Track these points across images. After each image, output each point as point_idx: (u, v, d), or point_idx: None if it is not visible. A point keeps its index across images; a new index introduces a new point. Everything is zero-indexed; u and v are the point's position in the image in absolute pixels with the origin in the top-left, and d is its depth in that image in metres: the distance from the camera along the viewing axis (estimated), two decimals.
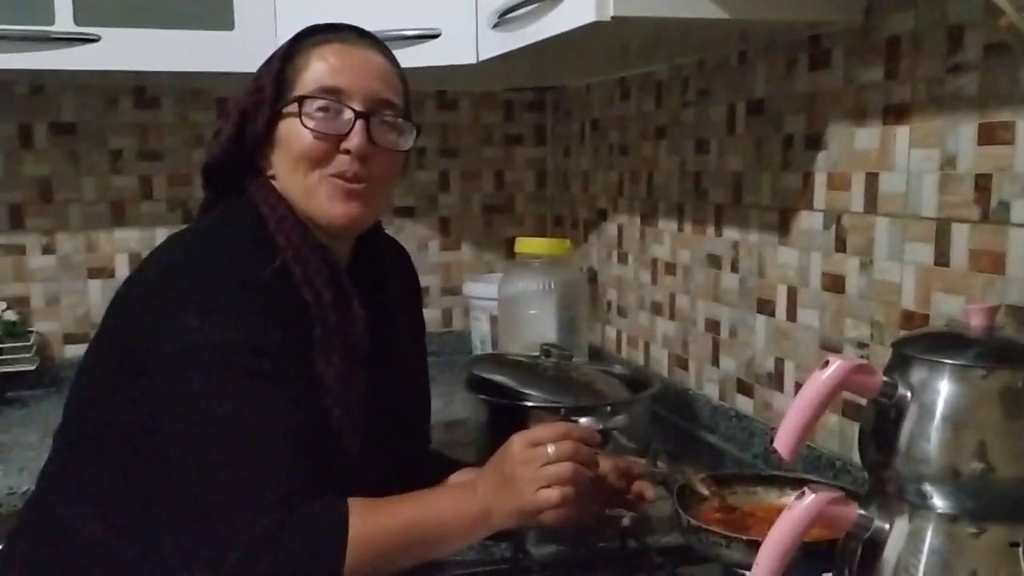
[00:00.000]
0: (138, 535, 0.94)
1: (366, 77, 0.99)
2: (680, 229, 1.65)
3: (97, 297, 1.95)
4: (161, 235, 1.95)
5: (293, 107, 0.97)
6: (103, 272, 1.96)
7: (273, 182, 1.00)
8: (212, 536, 0.87)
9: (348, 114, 0.97)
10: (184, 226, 1.07)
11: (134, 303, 0.96)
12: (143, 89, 1.95)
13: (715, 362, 1.56)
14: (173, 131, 1.98)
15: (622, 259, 1.89)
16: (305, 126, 0.96)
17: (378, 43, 1.03)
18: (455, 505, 0.92)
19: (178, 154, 1.99)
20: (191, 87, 1.96)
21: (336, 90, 0.97)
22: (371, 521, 0.89)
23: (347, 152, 0.97)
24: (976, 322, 0.73)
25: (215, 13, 1.60)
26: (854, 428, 1.21)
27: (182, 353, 0.89)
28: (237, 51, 1.57)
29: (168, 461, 0.90)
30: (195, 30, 1.59)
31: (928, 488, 0.70)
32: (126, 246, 1.97)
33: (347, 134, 0.97)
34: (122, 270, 1.96)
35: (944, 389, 0.69)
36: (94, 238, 1.96)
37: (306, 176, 0.98)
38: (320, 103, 0.97)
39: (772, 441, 0.72)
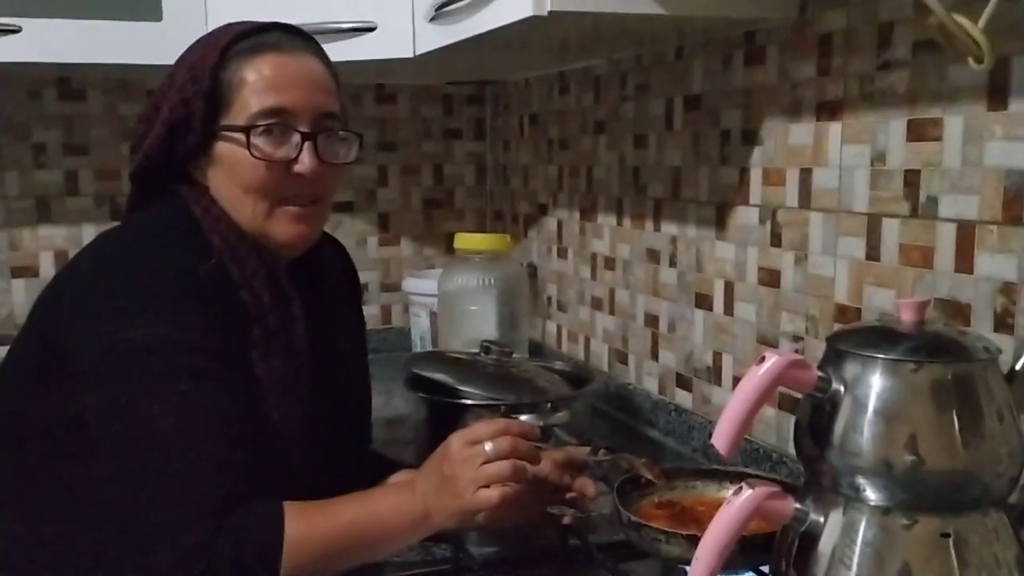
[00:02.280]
0: (57, 537, 0.91)
1: (308, 91, 0.95)
2: (619, 224, 1.65)
3: (21, 297, 1.88)
4: (88, 232, 1.90)
5: (236, 132, 0.94)
6: (27, 271, 1.89)
7: (211, 193, 0.97)
8: (143, 541, 0.84)
9: (296, 136, 0.94)
10: (113, 223, 1.04)
11: (63, 302, 0.93)
12: (68, 80, 1.89)
13: (655, 356, 1.56)
14: (100, 124, 1.92)
15: (562, 254, 1.89)
16: (254, 155, 0.93)
17: (309, 42, 0.99)
18: (394, 506, 0.91)
19: (106, 148, 1.93)
20: (118, 78, 1.90)
21: (280, 110, 0.94)
22: (307, 524, 0.87)
23: (297, 175, 0.95)
24: (907, 316, 0.74)
25: (142, 3, 1.54)
26: (791, 421, 1.22)
27: (114, 353, 0.86)
28: (166, 43, 1.50)
29: (96, 463, 0.87)
30: (122, 21, 1.54)
31: (861, 481, 0.71)
32: (51, 244, 1.91)
33: (296, 157, 0.94)
34: (47, 269, 1.90)
35: (876, 383, 0.70)
36: (17, 236, 1.89)
37: (256, 203, 0.95)
38: (265, 128, 0.93)
39: (711, 436, 0.72)
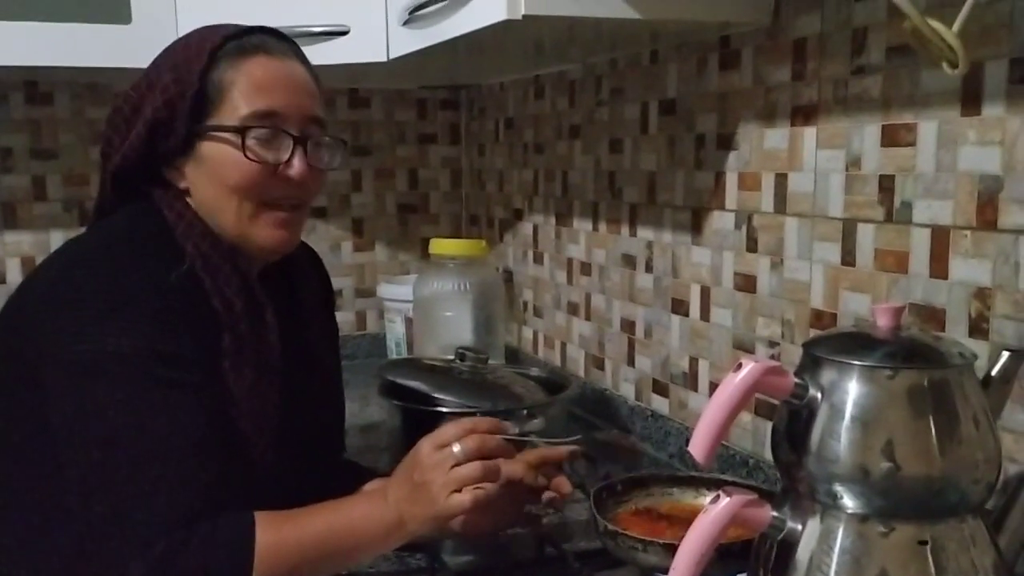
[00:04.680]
0: (27, 551, 0.89)
1: (297, 95, 0.95)
2: (595, 229, 1.65)
3: None
4: (56, 238, 1.87)
5: (227, 132, 0.92)
6: None
7: (188, 199, 0.96)
8: (113, 554, 0.83)
9: (287, 140, 0.93)
10: (82, 229, 1.02)
11: (29, 311, 0.91)
12: (35, 84, 1.86)
13: (631, 362, 1.56)
14: (68, 128, 1.89)
15: (538, 259, 1.88)
16: (248, 157, 0.92)
17: (295, 48, 0.99)
18: (367, 514, 0.90)
19: (74, 152, 1.90)
20: (87, 82, 1.88)
21: (272, 114, 0.93)
22: (279, 533, 0.86)
23: (285, 178, 0.94)
24: (883, 322, 0.74)
25: (111, 5, 1.52)
26: (767, 426, 1.22)
27: (81, 362, 0.85)
28: (135, 46, 1.50)
29: (64, 475, 0.86)
30: (90, 23, 1.52)
31: (838, 488, 0.70)
32: (18, 250, 1.88)
33: (288, 161, 0.94)
34: (14, 275, 1.87)
35: (853, 390, 0.70)
36: None
37: (241, 204, 0.94)
38: (259, 131, 0.92)
39: (688, 442, 0.71)
